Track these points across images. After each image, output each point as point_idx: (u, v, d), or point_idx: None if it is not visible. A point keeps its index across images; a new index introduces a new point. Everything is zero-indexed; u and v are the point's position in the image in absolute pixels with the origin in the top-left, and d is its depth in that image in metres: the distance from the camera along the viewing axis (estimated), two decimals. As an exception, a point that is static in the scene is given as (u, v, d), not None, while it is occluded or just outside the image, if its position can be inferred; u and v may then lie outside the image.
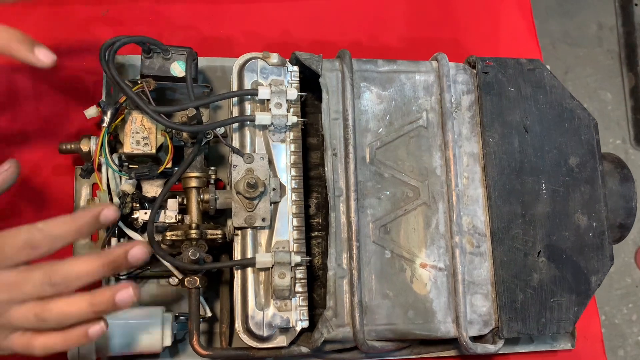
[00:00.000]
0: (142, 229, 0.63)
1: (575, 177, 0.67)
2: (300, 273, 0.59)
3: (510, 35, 0.87)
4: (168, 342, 0.60)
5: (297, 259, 0.59)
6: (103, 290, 0.48)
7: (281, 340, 0.59)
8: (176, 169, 0.62)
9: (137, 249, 0.49)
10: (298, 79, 0.63)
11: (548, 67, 0.70)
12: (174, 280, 0.63)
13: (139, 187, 0.64)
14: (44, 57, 0.53)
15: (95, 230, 0.49)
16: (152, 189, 0.65)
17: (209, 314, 0.64)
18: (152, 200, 0.63)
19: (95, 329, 0.49)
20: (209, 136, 0.63)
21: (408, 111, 0.66)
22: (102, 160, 0.61)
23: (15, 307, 0.46)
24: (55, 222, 0.47)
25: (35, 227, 0.46)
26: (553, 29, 2.01)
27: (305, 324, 0.59)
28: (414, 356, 0.68)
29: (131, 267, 0.53)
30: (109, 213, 0.49)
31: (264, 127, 0.62)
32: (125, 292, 0.48)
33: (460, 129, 0.66)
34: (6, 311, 0.46)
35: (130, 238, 0.63)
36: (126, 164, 0.63)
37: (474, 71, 0.68)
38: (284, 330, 0.59)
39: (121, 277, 0.63)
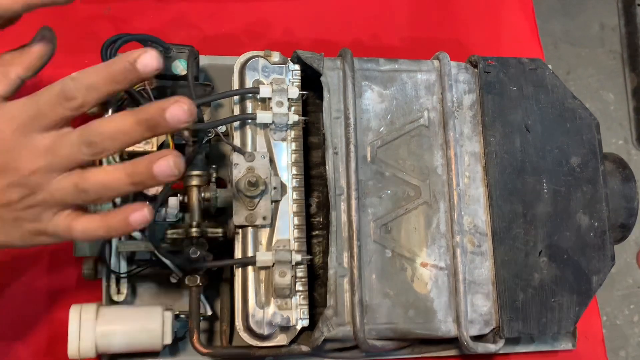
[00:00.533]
0: (143, 227, 0.63)
1: (576, 177, 0.67)
2: (300, 272, 0.59)
3: (512, 36, 0.87)
4: (168, 340, 0.60)
5: (297, 257, 0.59)
6: (141, 159, 0.43)
7: (281, 339, 0.59)
8: (177, 167, 0.62)
9: (177, 108, 0.41)
10: (299, 78, 0.63)
11: (550, 66, 0.70)
12: (174, 279, 0.63)
13: (140, 185, 0.64)
14: None
15: (134, 81, 0.43)
16: (152, 188, 0.65)
17: (210, 313, 0.64)
18: (153, 198, 0.63)
19: (136, 215, 0.43)
20: (210, 135, 0.63)
21: (409, 110, 0.66)
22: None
23: (56, 177, 0.43)
24: (88, 70, 0.43)
25: (69, 77, 0.43)
26: (555, 29, 2.01)
27: (306, 322, 0.59)
28: (414, 356, 0.68)
29: (172, 131, 0.46)
30: (148, 59, 0.42)
31: (265, 126, 0.62)
32: (165, 162, 0.42)
33: (462, 128, 0.66)
34: (47, 182, 0.43)
35: (131, 236, 0.63)
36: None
37: (476, 70, 0.68)
38: (285, 328, 0.59)
39: (122, 275, 0.63)
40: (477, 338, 0.64)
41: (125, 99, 0.61)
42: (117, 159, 0.62)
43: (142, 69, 0.42)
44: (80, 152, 0.42)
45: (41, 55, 0.47)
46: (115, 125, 0.42)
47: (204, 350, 0.60)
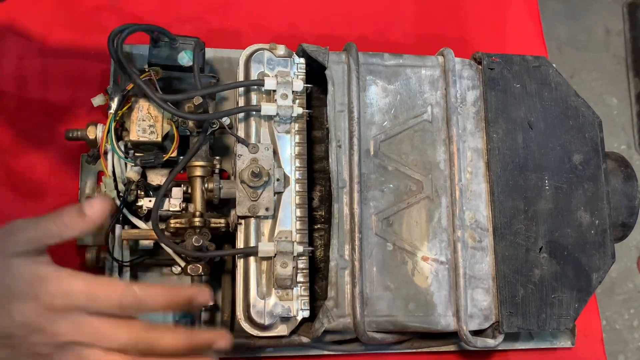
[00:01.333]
0: (146, 216, 0.63)
1: (578, 175, 0.67)
2: (302, 263, 0.60)
3: (517, 35, 0.88)
4: (169, 329, 0.60)
5: (299, 248, 0.59)
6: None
7: (282, 330, 0.59)
8: (181, 157, 0.63)
9: (223, 339, 0.47)
10: (304, 71, 0.64)
11: (554, 65, 0.70)
12: (176, 269, 0.64)
13: (144, 175, 0.64)
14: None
15: (185, 309, 0.50)
16: (157, 178, 0.66)
17: (211, 303, 0.65)
18: (156, 188, 0.64)
19: None
20: (214, 126, 0.63)
21: (413, 105, 0.66)
22: (108, 147, 0.61)
23: (90, 350, 0.44)
24: (150, 291, 0.46)
25: (131, 290, 0.46)
26: (560, 33, 2.01)
27: (306, 313, 0.59)
28: (414, 350, 0.68)
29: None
30: (203, 297, 0.49)
31: (269, 118, 0.62)
32: None
33: (465, 124, 0.67)
34: (79, 351, 0.44)
35: (134, 226, 0.63)
36: (132, 151, 0.63)
37: (480, 67, 0.68)
38: (285, 319, 0.59)
39: (124, 264, 0.63)
40: (477, 333, 0.64)
41: (130, 88, 0.61)
42: (122, 147, 0.62)
43: (196, 303, 0.48)
44: (122, 348, 0.45)
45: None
46: (169, 343, 0.46)
47: (205, 340, 0.60)
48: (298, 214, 0.61)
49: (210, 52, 0.70)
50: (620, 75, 2.02)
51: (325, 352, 0.66)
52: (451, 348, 0.70)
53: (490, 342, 0.63)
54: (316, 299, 0.64)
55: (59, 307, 0.44)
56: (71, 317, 0.44)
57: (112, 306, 0.45)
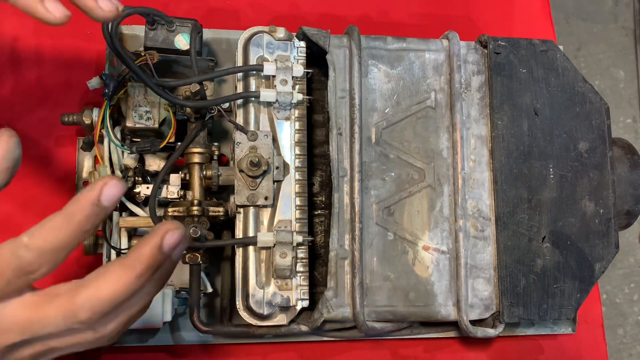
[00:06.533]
0: (143, 203, 0.63)
1: (584, 163, 0.66)
2: (301, 253, 0.59)
3: (524, 10, 0.85)
4: (168, 317, 0.60)
5: (298, 238, 0.58)
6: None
7: (281, 319, 0.59)
8: (179, 143, 0.61)
9: (173, 234, 0.36)
10: (305, 55, 0.62)
11: (561, 47, 0.68)
12: (175, 256, 0.63)
13: (141, 160, 0.63)
14: (54, 10, 0.43)
15: (101, 219, 0.36)
16: (155, 162, 0.64)
17: (210, 290, 0.64)
18: (154, 174, 0.63)
19: None
20: (212, 111, 0.62)
21: (416, 91, 0.64)
22: (104, 133, 0.60)
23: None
24: (44, 228, 0.34)
25: (21, 245, 0.34)
26: (567, 3, 1.96)
27: (306, 303, 0.59)
28: (413, 336, 0.68)
29: (174, 263, 0.39)
30: (112, 190, 0.35)
31: (268, 104, 0.60)
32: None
33: (469, 111, 0.65)
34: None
35: (132, 213, 0.62)
36: (129, 137, 0.62)
37: (485, 51, 0.66)
38: (284, 309, 0.59)
39: (122, 251, 0.63)
40: (477, 322, 0.64)
41: (126, 73, 0.60)
42: (118, 135, 0.61)
43: (109, 203, 0.35)
44: (67, 328, 0.35)
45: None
46: (111, 289, 0.35)
47: (203, 328, 0.60)
48: (298, 202, 0.60)
49: (208, 33, 0.69)
50: (628, 47, 1.98)
51: (325, 339, 0.66)
52: (452, 335, 0.70)
53: (490, 332, 0.63)
54: (316, 285, 0.63)
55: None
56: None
57: (14, 277, 0.34)
